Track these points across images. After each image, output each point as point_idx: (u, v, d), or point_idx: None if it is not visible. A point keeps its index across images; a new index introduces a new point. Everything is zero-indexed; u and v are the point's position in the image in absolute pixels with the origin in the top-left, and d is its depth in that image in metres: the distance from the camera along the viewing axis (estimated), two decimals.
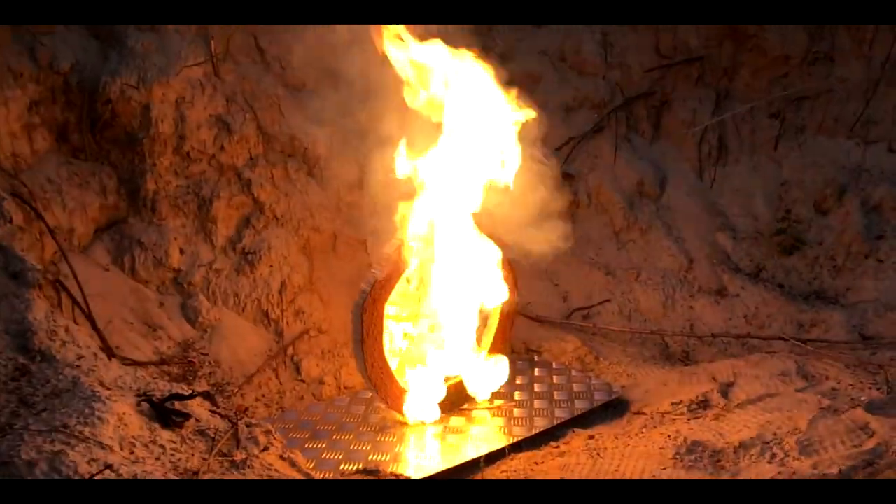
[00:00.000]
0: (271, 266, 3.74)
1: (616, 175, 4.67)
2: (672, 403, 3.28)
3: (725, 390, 3.34)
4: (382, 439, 2.98)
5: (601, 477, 2.74)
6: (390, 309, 3.11)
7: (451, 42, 4.21)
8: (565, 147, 4.72)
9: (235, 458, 2.71)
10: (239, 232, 3.81)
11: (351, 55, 4.21)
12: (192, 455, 2.74)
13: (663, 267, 4.38)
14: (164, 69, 3.70)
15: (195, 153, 3.77)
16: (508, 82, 5.06)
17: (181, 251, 3.71)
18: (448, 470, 2.76)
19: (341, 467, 2.75)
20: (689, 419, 3.15)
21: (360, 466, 2.72)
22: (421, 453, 2.87)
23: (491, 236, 3.25)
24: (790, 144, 4.81)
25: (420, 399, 3.07)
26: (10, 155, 3.47)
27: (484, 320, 3.32)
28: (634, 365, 3.75)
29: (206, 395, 3.34)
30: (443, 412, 3.17)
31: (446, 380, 3.28)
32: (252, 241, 3.77)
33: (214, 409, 3.08)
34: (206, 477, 2.55)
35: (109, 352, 3.27)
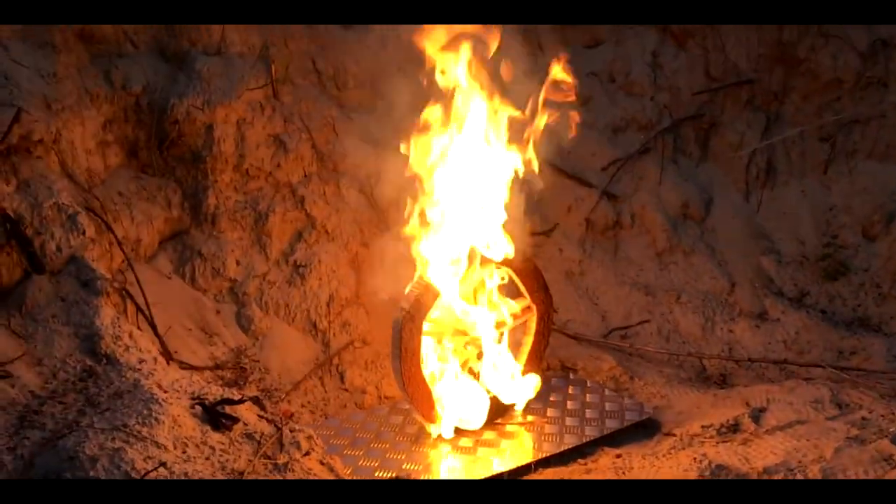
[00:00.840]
0: (321, 279, 3.94)
1: (661, 197, 4.74)
2: (702, 426, 3.36)
3: (757, 415, 3.39)
4: (416, 449, 3.14)
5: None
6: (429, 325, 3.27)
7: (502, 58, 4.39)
8: (611, 167, 4.81)
9: (278, 462, 2.91)
10: (292, 245, 4.02)
11: (403, 76, 4.38)
12: (239, 457, 2.95)
13: (704, 289, 4.44)
14: (228, 92, 3.94)
15: (253, 170, 4.00)
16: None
17: (238, 262, 3.93)
18: (476, 481, 2.89)
19: (376, 474, 2.91)
20: (717, 442, 3.22)
21: (394, 475, 2.88)
22: (451, 464, 3.01)
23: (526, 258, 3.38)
24: (840, 169, 4.81)
25: (455, 414, 3.22)
26: (85, 170, 3.75)
27: (518, 338, 3.46)
28: (669, 386, 3.82)
29: (255, 400, 3.56)
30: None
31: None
32: (304, 255, 3.97)
33: (262, 413, 3.29)
34: (251, 478, 2.75)
35: (168, 356, 3.52)
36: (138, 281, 3.53)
